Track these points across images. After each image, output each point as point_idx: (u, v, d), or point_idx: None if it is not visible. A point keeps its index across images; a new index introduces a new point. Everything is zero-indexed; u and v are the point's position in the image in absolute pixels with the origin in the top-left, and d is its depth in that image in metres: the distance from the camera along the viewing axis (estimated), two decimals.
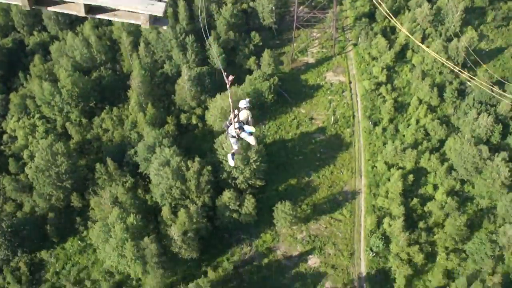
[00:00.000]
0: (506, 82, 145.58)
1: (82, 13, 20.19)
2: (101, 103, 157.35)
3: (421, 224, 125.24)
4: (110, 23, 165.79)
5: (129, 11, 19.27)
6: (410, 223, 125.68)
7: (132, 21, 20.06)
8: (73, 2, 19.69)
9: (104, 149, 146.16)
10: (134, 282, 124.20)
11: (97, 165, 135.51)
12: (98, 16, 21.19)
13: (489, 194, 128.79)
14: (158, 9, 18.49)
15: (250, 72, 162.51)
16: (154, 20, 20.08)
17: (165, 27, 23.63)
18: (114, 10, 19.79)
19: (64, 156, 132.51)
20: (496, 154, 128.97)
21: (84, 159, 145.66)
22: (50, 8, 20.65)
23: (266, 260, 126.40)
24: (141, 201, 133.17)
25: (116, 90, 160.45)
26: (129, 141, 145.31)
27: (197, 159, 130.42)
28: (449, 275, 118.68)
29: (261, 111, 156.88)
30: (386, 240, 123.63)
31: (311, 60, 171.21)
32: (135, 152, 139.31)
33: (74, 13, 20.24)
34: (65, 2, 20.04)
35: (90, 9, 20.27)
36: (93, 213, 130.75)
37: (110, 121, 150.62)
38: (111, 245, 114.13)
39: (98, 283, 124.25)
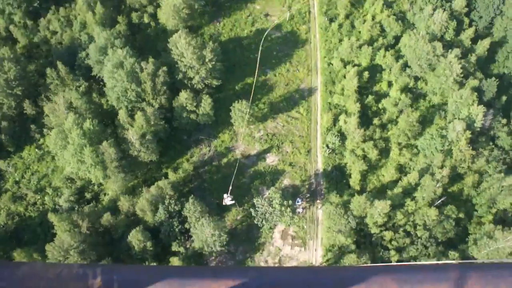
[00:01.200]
0: None
1: None
2: (45, 3, 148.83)
3: (376, 121, 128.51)
4: None
5: None
6: (365, 120, 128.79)
7: None
8: None
9: (53, 52, 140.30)
10: (95, 187, 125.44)
11: (48, 70, 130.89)
12: None
13: (441, 90, 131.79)
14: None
15: None
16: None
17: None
18: None
19: (12, 62, 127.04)
20: (450, 50, 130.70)
21: (34, 64, 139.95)
22: None
23: (225, 160, 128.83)
24: (97, 105, 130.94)
25: None
26: (80, 43, 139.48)
27: (151, 59, 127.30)
28: (401, 169, 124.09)
29: (215, 7, 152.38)
30: (342, 137, 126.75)
31: None
32: (87, 55, 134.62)
33: None
34: None
35: None
36: (48, 119, 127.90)
37: (57, 22, 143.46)
38: (70, 151, 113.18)
39: (59, 190, 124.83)
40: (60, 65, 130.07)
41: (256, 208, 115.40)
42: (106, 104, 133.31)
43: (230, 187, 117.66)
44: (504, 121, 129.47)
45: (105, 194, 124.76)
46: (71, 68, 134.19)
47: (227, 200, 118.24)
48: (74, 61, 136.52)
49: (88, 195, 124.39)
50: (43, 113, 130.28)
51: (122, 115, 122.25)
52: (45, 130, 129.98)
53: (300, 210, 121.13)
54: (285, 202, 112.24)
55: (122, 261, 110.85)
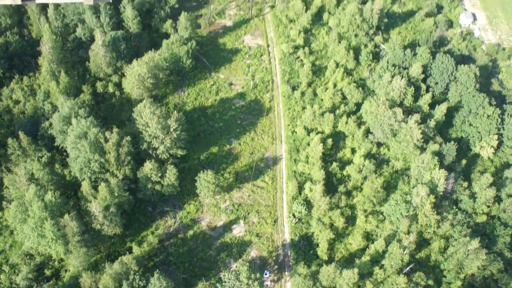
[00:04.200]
0: (418, 45, 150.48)
1: (18, 1, 19.32)
2: (9, 71, 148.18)
3: (341, 188, 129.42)
4: None
5: None
6: (330, 187, 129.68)
7: (75, 1, 22.62)
8: None
9: (16, 122, 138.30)
10: (56, 263, 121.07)
11: (9, 140, 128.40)
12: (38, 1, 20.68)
13: (403, 156, 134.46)
14: None
15: (167, 36, 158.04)
16: None
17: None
18: None
19: None
20: (410, 116, 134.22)
21: None
22: None
23: (191, 232, 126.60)
24: (59, 176, 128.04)
25: (25, 57, 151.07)
26: (43, 112, 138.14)
27: (115, 129, 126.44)
28: (368, 237, 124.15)
29: (180, 77, 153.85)
30: (308, 205, 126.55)
31: (229, 23, 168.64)
32: (50, 125, 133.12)
33: (8, 2, 18.96)
34: None
35: None
36: (7, 192, 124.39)
37: (20, 92, 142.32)
38: (30, 225, 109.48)
39: (17, 267, 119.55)
40: (22, 135, 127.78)
41: (223, 283, 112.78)
42: (69, 175, 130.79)
43: None
44: (465, 184, 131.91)
45: (66, 271, 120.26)
46: (34, 138, 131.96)
47: None
48: (37, 130, 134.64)
49: (47, 272, 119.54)
50: (2, 185, 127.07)
51: (85, 187, 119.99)
52: (4, 202, 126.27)
53: (268, 283, 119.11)
54: (252, 275, 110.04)
55: None
